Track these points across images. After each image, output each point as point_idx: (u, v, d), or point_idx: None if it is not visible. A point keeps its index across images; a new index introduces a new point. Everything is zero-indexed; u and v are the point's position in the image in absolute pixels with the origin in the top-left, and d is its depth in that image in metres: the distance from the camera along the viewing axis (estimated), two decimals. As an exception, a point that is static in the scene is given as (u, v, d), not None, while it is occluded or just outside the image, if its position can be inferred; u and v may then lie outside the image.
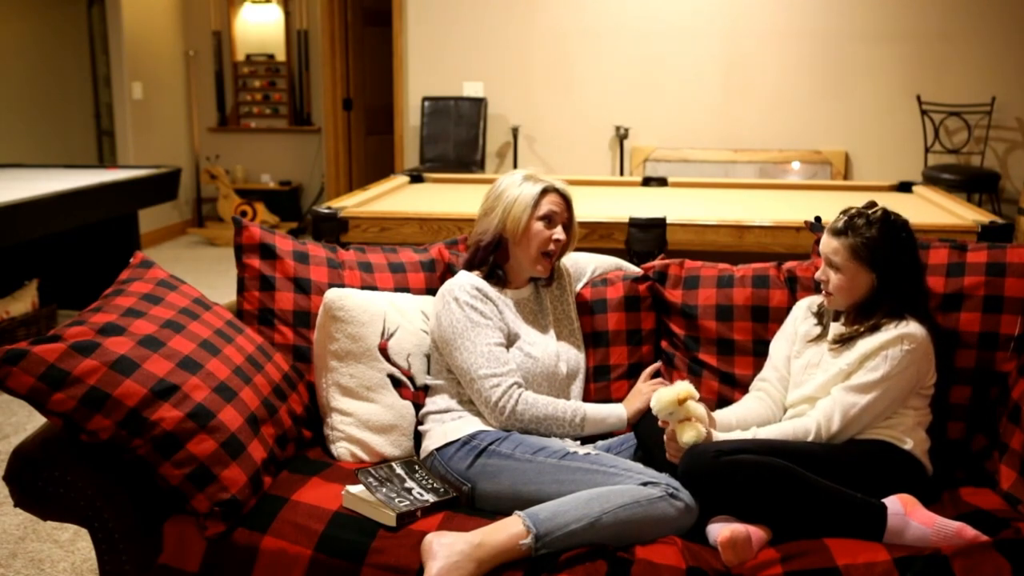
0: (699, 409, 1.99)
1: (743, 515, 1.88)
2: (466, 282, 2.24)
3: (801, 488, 1.88)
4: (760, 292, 2.41)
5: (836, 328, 2.18)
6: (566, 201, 2.32)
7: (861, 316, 2.14)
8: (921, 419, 2.12)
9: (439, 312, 2.22)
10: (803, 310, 2.30)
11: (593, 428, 2.17)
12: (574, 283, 2.48)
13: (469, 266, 2.34)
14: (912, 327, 2.07)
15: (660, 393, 1.97)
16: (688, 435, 1.94)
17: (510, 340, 2.23)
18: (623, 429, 2.20)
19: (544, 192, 2.28)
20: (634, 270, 2.56)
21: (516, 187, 2.28)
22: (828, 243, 2.14)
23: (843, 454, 2.02)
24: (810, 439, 2.04)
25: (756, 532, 1.84)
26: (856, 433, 2.07)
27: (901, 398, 2.07)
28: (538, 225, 2.26)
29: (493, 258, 2.30)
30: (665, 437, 2.01)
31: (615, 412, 2.19)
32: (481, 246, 2.30)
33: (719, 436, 2.02)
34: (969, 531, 1.80)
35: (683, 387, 1.97)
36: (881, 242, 2.09)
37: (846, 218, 2.13)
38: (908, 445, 2.06)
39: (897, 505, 1.88)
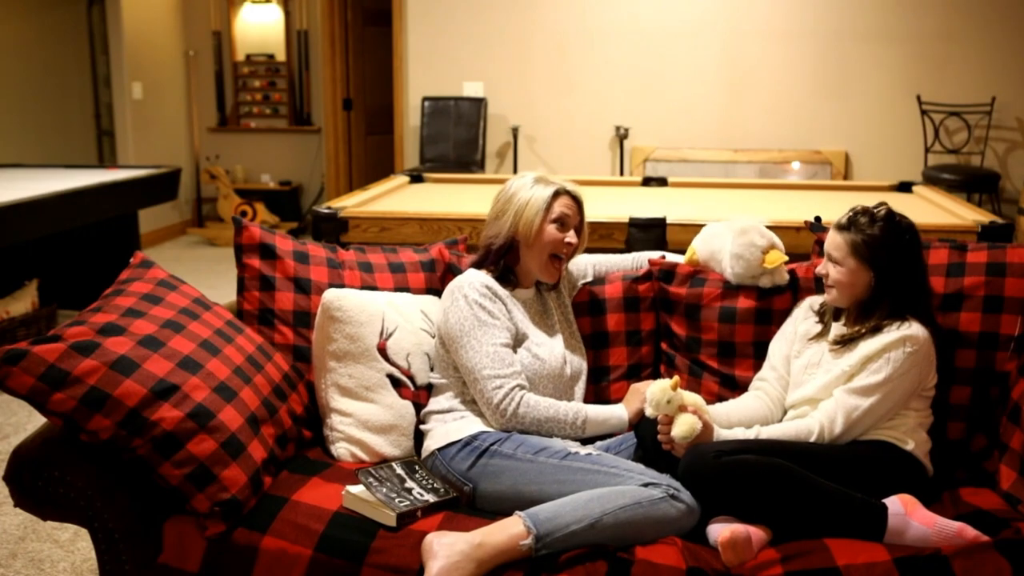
0: (692, 395, 2.04)
1: (744, 515, 1.88)
2: (476, 280, 2.24)
3: (801, 488, 1.88)
4: (764, 294, 2.40)
5: (837, 328, 2.18)
6: (578, 204, 2.31)
7: (863, 316, 2.14)
8: (923, 420, 2.12)
9: (447, 308, 2.22)
10: (804, 309, 2.30)
11: (594, 430, 2.17)
12: (575, 284, 2.48)
13: (478, 267, 2.33)
14: (915, 328, 2.07)
15: (651, 388, 2.00)
16: (681, 429, 1.95)
17: (518, 340, 2.22)
18: (624, 430, 2.20)
19: (556, 195, 2.28)
20: (632, 266, 2.56)
21: (527, 190, 2.28)
22: (832, 238, 2.15)
23: (844, 455, 2.02)
24: (812, 439, 2.04)
25: (756, 532, 1.84)
26: (859, 435, 2.07)
27: (903, 400, 2.07)
28: (551, 228, 2.26)
29: (504, 261, 2.30)
30: (659, 426, 2.02)
31: (616, 414, 2.19)
32: (493, 249, 2.29)
33: (720, 433, 2.03)
34: (970, 531, 1.80)
35: (672, 379, 2.01)
36: (881, 241, 2.09)
37: (851, 214, 2.14)
38: (909, 446, 2.06)
39: (898, 505, 1.88)
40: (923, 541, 1.82)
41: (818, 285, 2.30)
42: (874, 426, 2.07)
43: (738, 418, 2.17)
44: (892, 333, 2.06)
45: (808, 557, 1.79)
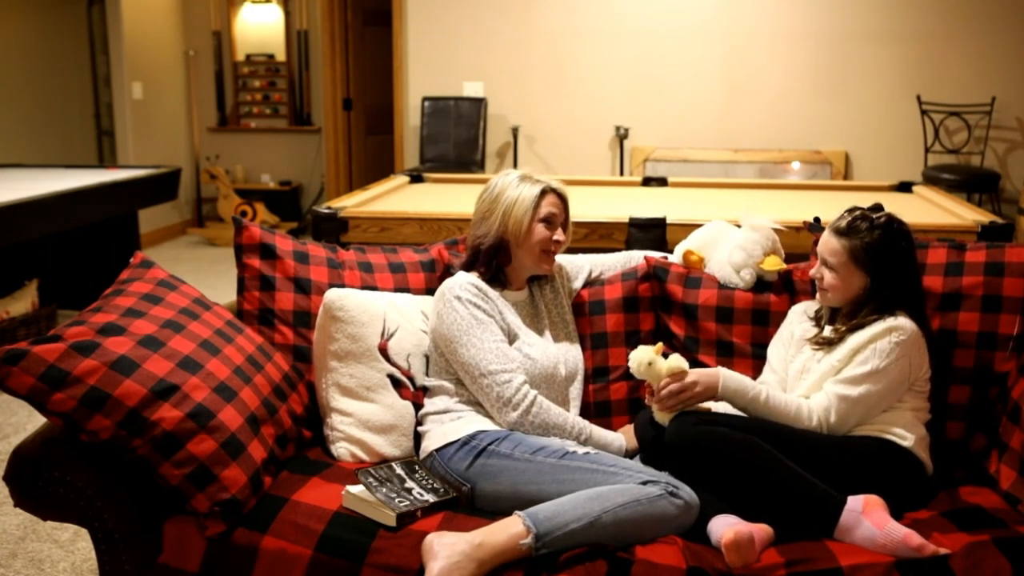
0: (676, 359, 2.10)
1: (712, 484, 1.94)
2: (466, 281, 2.24)
3: (765, 469, 1.92)
4: (760, 295, 2.41)
5: (829, 331, 2.19)
6: (563, 201, 2.32)
7: (853, 314, 2.15)
8: (919, 414, 2.12)
9: (440, 311, 2.22)
10: (798, 314, 2.31)
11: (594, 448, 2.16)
12: (571, 283, 2.48)
13: (468, 269, 2.33)
14: (900, 320, 2.09)
15: (635, 351, 2.08)
16: (670, 362, 2.05)
17: (510, 340, 2.23)
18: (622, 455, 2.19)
19: (543, 193, 2.28)
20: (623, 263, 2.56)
21: (514, 188, 2.28)
22: (827, 242, 2.15)
23: (841, 450, 2.03)
24: (813, 424, 2.06)
25: (759, 531, 1.84)
26: (856, 424, 2.08)
27: (894, 390, 2.08)
28: (539, 227, 2.26)
29: (496, 261, 2.30)
30: (643, 392, 2.11)
31: (618, 441, 2.19)
32: (482, 250, 2.29)
33: (726, 381, 2.07)
34: (915, 539, 1.79)
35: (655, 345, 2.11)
36: (880, 248, 2.11)
37: (849, 219, 2.14)
38: (908, 442, 2.06)
39: (858, 503, 1.89)
40: (869, 542, 1.83)
41: (814, 287, 2.30)
42: (870, 418, 2.08)
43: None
44: (878, 325, 2.09)
45: (812, 562, 1.79)
